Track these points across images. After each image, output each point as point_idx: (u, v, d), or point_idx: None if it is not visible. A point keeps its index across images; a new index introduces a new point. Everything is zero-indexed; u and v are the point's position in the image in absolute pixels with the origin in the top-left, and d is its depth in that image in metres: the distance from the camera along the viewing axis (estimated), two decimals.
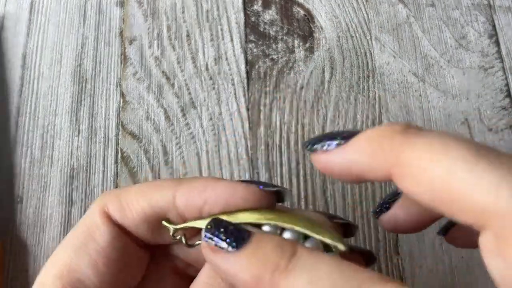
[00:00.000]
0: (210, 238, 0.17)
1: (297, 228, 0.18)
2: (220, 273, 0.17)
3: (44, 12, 0.37)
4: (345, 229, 0.21)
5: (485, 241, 0.14)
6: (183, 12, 0.37)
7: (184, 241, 0.20)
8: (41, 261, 0.31)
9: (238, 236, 0.17)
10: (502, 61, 0.36)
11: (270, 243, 0.16)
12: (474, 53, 0.36)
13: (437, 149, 0.15)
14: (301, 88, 0.35)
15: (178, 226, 0.20)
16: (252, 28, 0.37)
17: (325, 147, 0.18)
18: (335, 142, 0.18)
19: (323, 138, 0.18)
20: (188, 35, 0.36)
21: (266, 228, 0.18)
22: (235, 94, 0.35)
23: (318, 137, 0.19)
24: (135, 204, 0.20)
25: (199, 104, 0.34)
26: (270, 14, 0.37)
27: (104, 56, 0.36)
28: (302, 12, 0.37)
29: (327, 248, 0.18)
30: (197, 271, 0.20)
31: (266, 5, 0.37)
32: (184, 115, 0.34)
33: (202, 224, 0.19)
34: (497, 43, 0.36)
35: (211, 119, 0.34)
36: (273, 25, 0.37)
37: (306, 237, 0.18)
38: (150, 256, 0.22)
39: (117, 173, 0.33)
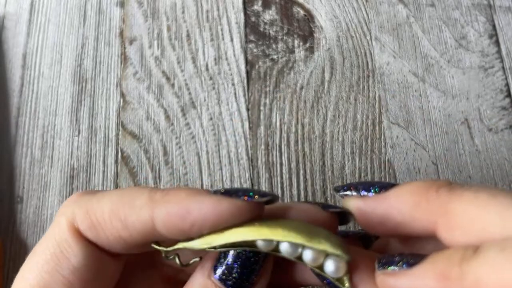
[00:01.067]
0: (383, 265, 0.17)
1: (294, 240, 0.17)
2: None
3: (44, 12, 0.37)
4: (341, 217, 0.21)
5: None
6: (183, 12, 0.37)
7: (178, 262, 0.19)
8: None
9: (411, 258, 0.17)
10: (502, 61, 0.36)
11: (444, 253, 0.16)
12: (474, 53, 0.36)
13: (486, 198, 0.15)
14: (301, 88, 0.35)
15: (170, 249, 0.18)
16: (252, 28, 0.37)
17: (361, 193, 0.18)
18: (371, 192, 0.18)
19: (358, 185, 0.18)
20: (188, 35, 0.36)
21: (260, 243, 0.17)
22: (235, 94, 0.35)
23: (352, 184, 0.18)
24: (108, 225, 0.18)
25: (199, 104, 0.34)
26: (270, 14, 0.37)
27: (104, 56, 0.36)
28: (302, 12, 0.37)
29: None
30: (188, 275, 0.19)
31: (266, 5, 0.37)
32: (184, 115, 0.34)
33: (196, 244, 0.17)
34: (497, 43, 0.36)
35: (211, 119, 0.34)
36: (273, 25, 0.37)
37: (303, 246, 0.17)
38: (137, 263, 0.21)
39: (117, 173, 0.33)
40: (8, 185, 0.32)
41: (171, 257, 0.19)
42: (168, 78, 0.35)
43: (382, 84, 0.35)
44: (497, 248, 0.14)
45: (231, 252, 0.18)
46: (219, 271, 0.18)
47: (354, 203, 0.18)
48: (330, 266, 0.17)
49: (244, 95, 0.35)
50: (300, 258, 0.17)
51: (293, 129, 0.34)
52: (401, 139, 0.33)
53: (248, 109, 0.34)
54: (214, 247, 0.17)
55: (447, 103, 0.35)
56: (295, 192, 0.32)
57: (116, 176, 0.33)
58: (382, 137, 0.34)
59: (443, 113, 0.34)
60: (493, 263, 0.14)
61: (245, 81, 0.35)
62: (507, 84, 0.35)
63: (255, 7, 0.37)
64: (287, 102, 0.34)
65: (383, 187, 0.18)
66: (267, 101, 0.34)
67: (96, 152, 0.33)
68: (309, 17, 0.37)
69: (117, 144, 0.33)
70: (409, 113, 0.34)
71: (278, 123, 0.34)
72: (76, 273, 0.18)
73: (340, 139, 0.33)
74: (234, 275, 0.18)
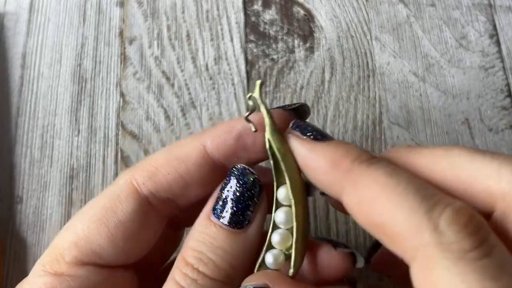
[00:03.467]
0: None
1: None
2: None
3: (44, 12, 0.37)
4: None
5: (413, 270, 0.15)
6: (183, 12, 0.37)
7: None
8: None
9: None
10: (502, 61, 0.36)
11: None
12: (475, 53, 0.36)
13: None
14: (301, 88, 0.35)
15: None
16: (252, 28, 0.36)
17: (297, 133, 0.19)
18: (306, 136, 0.19)
19: (302, 126, 0.20)
20: (188, 35, 0.36)
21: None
22: (235, 94, 0.35)
23: (301, 124, 0.20)
24: (165, 167, 0.20)
25: (199, 104, 0.34)
26: (270, 14, 0.37)
27: (104, 56, 0.36)
28: (302, 12, 0.37)
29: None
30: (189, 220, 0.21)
31: (266, 5, 0.37)
32: (184, 115, 0.34)
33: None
34: (497, 43, 0.36)
35: (211, 119, 0.34)
36: (273, 25, 0.37)
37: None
38: (168, 230, 0.23)
39: (117, 173, 0.33)
40: (8, 185, 0.32)
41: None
42: (168, 78, 0.35)
43: (382, 84, 0.35)
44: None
45: (226, 190, 0.20)
46: (217, 210, 0.20)
47: (293, 141, 0.19)
48: None
49: (244, 95, 0.34)
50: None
51: None
52: (401, 139, 0.33)
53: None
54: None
55: (447, 103, 0.35)
56: None
57: (116, 176, 0.33)
58: (383, 137, 0.33)
59: (444, 113, 0.34)
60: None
61: (245, 81, 0.35)
62: (507, 84, 0.35)
63: (255, 7, 0.37)
64: (287, 102, 0.34)
65: (318, 136, 0.19)
66: (267, 101, 0.34)
67: (95, 152, 0.33)
68: (309, 17, 0.37)
69: (117, 144, 0.33)
70: (409, 113, 0.34)
71: None
72: (121, 228, 0.20)
73: (341, 139, 0.33)
74: (229, 211, 0.19)
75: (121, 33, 0.36)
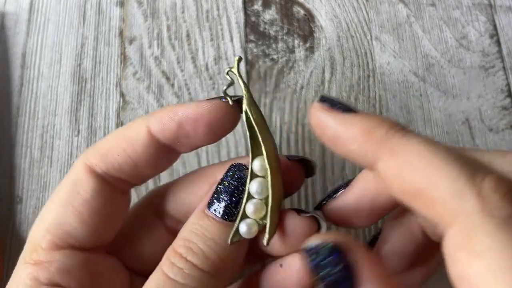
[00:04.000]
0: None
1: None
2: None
3: (44, 12, 0.37)
4: (306, 168, 0.23)
5: (450, 237, 0.15)
6: (183, 12, 0.37)
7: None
8: None
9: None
10: (502, 61, 0.35)
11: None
12: (475, 53, 0.36)
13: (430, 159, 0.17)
14: (301, 88, 0.35)
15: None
16: (252, 28, 0.36)
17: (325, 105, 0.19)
18: (334, 108, 0.19)
19: (331, 100, 0.19)
20: (188, 35, 0.36)
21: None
22: (235, 94, 0.34)
23: (332, 99, 0.19)
24: (115, 149, 0.21)
25: None
26: (270, 14, 0.37)
27: (104, 56, 0.36)
28: (302, 12, 0.37)
29: None
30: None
31: (266, 5, 0.37)
32: None
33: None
34: (497, 43, 0.36)
35: None
36: (273, 25, 0.37)
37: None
38: (142, 216, 0.23)
39: None
40: (8, 185, 0.32)
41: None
42: (168, 78, 0.35)
43: (382, 84, 0.35)
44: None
45: (221, 185, 0.21)
46: (212, 203, 0.20)
47: (322, 113, 0.19)
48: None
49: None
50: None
51: (293, 129, 0.34)
52: None
53: None
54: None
55: (447, 103, 0.34)
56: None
57: None
58: None
59: (444, 113, 0.34)
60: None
61: (245, 81, 0.35)
62: (507, 84, 0.35)
63: (255, 6, 0.37)
64: (287, 102, 0.34)
65: (347, 108, 0.19)
66: (267, 101, 0.34)
67: None
68: (309, 17, 0.37)
69: None
70: (409, 113, 0.34)
71: (278, 123, 0.34)
72: (86, 205, 0.20)
73: None
74: (223, 203, 0.20)
75: (121, 33, 0.36)
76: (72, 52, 0.36)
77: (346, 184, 0.22)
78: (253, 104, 0.21)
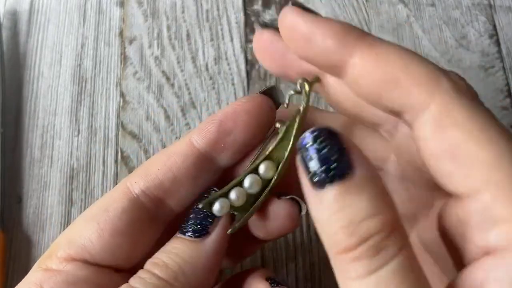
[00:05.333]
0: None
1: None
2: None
3: (44, 12, 0.37)
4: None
5: (427, 116, 0.16)
6: (183, 12, 0.37)
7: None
8: None
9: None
10: (502, 61, 0.36)
11: None
12: (475, 53, 0.36)
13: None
14: None
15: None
16: (252, 28, 0.36)
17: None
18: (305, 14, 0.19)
19: (307, 8, 0.19)
20: (188, 35, 0.36)
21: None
22: (235, 94, 0.35)
23: (303, 5, 0.20)
24: (155, 163, 0.21)
25: (199, 104, 0.34)
26: (270, 14, 0.37)
27: (104, 56, 0.36)
28: None
29: None
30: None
31: (266, 5, 0.37)
32: (184, 115, 0.34)
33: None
34: (497, 43, 0.36)
35: None
36: (273, 25, 0.37)
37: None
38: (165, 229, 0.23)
39: (117, 173, 0.33)
40: (8, 185, 0.32)
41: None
42: (168, 78, 0.35)
43: None
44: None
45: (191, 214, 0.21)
46: (182, 224, 0.21)
47: (287, 12, 0.19)
48: None
49: (244, 95, 0.34)
50: None
51: None
52: None
53: None
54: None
55: None
56: None
57: (116, 176, 0.33)
58: None
59: None
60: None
61: (245, 81, 0.35)
62: (507, 84, 0.35)
63: (255, 6, 0.37)
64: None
65: (317, 14, 0.19)
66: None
67: (95, 152, 0.33)
68: None
69: (117, 144, 0.33)
70: None
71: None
72: (110, 223, 0.21)
73: None
74: (190, 221, 0.21)
75: (121, 33, 0.36)
76: (72, 52, 0.36)
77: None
78: (302, 120, 0.20)
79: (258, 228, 0.22)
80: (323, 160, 0.16)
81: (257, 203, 0.21)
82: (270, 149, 0.20)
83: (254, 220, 0.22)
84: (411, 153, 0.19)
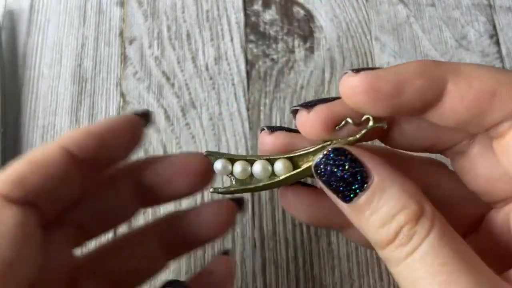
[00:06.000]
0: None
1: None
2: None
3: (44, 12, 0.37)
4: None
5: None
6: (183, 12, 0.37)
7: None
8: None
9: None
10: (502, 61, 0.36)
11: None
12: (475, 53, 0.36)
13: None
14: (301, 88, 0.35)
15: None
16: (252, 28, 0.36)
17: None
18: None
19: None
20: (188, 35, 0.36)
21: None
22: (235, 94, 0.35)
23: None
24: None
25: (199, 104, 0.34)
26: (270, 14, 0.37)
27: (104, 56, 0.36)
28: (302, 12, 0.37)
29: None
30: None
31: (266, 5, 0.37)
32: (184, 115, 0.34)
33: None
34: (497, 43, 0.36)
35: (211, 119, 0.34)
36: (273, 25, 0.37)
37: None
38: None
39: None
40: None
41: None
42: (168, 78, 0.35)
43: None
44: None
45: None
46: None
47: (350, 77, 0.18)
48: None
49: (244, 95, 0.35)
50: None
51: None
52: None
53: (248, 109, 0.34)
54: None
55: None
56: None
57: None
58: None
59: None
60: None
61: (245, 81, 0.35)
62: None
63: (255, 7, 0.37)
64: (287, 102, 0.34)
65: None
66: (267, 101, 0.34)
67: None
68: (309, 17, 0.37)
69: None
70: None
71: (278, 123, 0.34)
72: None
73: None
74: None
75: (121, 33, 0.36)
76: (72, 52, 0.36)
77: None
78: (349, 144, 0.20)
79: (195, 226, 0.22)
80: (341, 178, 0.18)
81: (250, 187, 0.20)
82: (300, 152, 0.20)
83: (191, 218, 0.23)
84: (476, 173, 0.20)
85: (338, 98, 0.19)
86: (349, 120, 0.19)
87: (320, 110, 0.19)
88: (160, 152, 0.33)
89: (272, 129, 0.20)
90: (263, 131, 0.20)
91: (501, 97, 0.17)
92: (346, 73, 0.18)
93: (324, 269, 0.30)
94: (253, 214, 0.31)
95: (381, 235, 0.17)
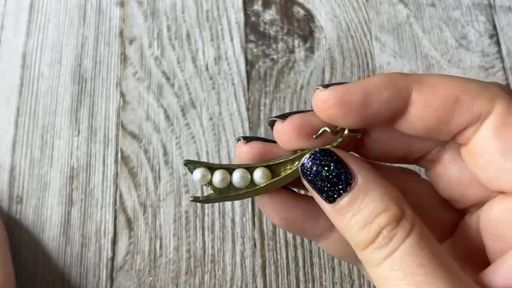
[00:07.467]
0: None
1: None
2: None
3: (44, 12, 0.37)
4: None
5: (491, 119, 0.17)
6: (183, 12, 0.37)
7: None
8: (41, 260, 0.31)
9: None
10: (502, 61, 0.36)
11: None
12: (475, 53, 0.36)
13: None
14: (301, 88, 0.35)
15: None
16: (252, 28, 0.36)
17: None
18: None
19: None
20: (188, 35, 0.36)
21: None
22: (235, 94, 0.35)
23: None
24: None
25: (199, 104, 0.34)
26: (270, 14, 0.37)
27: (104, 56, 0.36)
28: (302, 12, 0.37)
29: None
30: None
31: (266, 5, 0.37)
32: (184, 115, 0.34)
33: None
34: (497, 43, 0.36)
35: (211, 119, 0.34)
36: (273, 25, 0.37)
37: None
38: None
39: (117, 173, 0.33)
40: (8, 185, 0.32)
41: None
42: (168, 78, 0.35)
43: None
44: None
45: None
46: None
47: (327, 91, 0.18)
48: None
49: (244, 95, 0.35)
50: None
51: None
52: None
53: (248, 109, 0.34)
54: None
55: None
56: None
57: (116, 176, 0.33)
58: None
59: None
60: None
61: (245, 81, 0.35)
62: (507, 84, 0.35)
63: (255, 7, 0.37)
64: (287, 102, 0.34)
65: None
66: (267, 101, 0.34)
67: (95, 152, 0.33)
68: (309, 17, 0.37)
69: (117, 144, 0.33)
70: None
71: None
72: None
73: None
74: None
75: (121, 33, 0.36)
76: (72, 52, 0.36)
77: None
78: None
79: None
80: (326, 178, 0.18)
81: (230, 196, 0.20)
82: (279, 161, 0.20)
83: None
84: (448, 180, 0.20)
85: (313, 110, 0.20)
86: (327, 128, 0.19)
87: (294, 119, 0.19)
88: (159, 152, 0.33)
89: (248, 139, 0.21)
90: (239, 141, 0.21)
91: (464, 103, 0.17)
92: (317, 88, 0.19)
93: (324, 269, 0.30)
94: (253, 214, 0.31)
95: (361, 236, 0.17)
